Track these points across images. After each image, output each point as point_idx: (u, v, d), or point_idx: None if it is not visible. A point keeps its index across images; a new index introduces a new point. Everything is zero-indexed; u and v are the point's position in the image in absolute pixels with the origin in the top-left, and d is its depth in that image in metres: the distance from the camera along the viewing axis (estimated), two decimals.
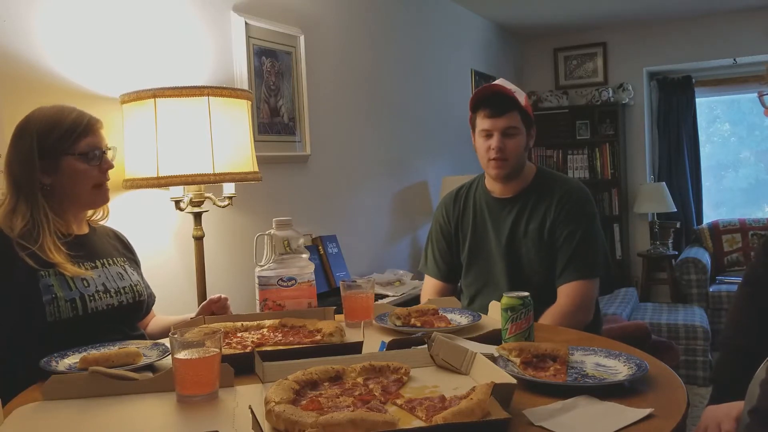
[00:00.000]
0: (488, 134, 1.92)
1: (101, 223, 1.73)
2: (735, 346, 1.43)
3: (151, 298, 1.76)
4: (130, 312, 1.60)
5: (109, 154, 1.62)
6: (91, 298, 1.50)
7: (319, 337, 1.45)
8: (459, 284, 2.13)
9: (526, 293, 1.37)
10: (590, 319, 1.88)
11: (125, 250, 1.73)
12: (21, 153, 1.51)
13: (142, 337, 1.62)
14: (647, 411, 0.97)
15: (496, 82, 1.98)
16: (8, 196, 1.51)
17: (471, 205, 2.05)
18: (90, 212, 1.69)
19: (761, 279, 1.42)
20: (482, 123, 1.93)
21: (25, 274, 1.43)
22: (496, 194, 2.02)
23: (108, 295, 1.54)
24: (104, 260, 1.60)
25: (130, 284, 1.62)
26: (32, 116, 1.54)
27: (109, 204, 1.70)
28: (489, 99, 1.92)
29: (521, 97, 1.93)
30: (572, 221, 1.90)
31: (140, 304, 1.64)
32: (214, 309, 1.68)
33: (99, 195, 1.61)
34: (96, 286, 1.52)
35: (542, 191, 1.96)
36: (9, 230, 1.45)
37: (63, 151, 1.52)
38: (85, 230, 1.64)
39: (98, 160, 1.58)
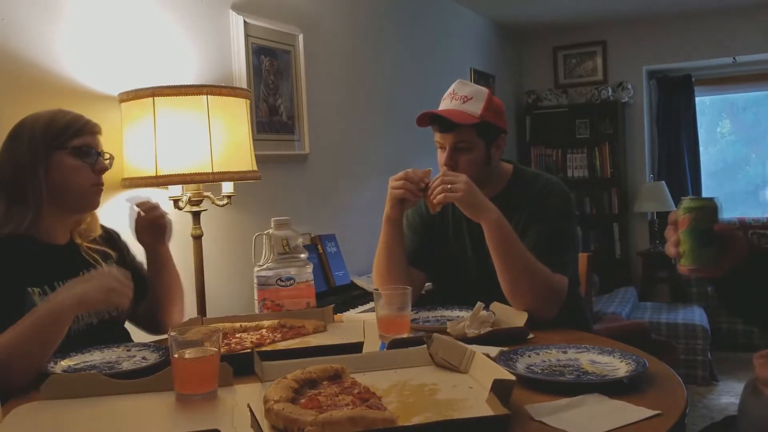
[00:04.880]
0: (441, 146, 1.80)
1: (91, 230, 1.62)
2: None
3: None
4: (113, 325, 1.56)
5: (106, 159, 1.56)
6: (75, 319, 1.41)
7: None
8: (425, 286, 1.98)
9: (711, 198, 1.17)
10: (552, 316, 1.63)
11: (112, 249, 1.65)
12: (12, 157, 1.45)
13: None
14: (653, 412, 0.97)
15: (452, 90, 1.82)
16: None
17: (449, 210, 1.90)
18: (80, 224, 1.60)
19: None
20: (435, 135, 1.82)
21: (10, 286, 1.38)
22: None
23: (87, 314, 1.47)
24: (84, 270, 1.52)
25: None
26: (27, 119, 1.49)
27: (106, 205, 1.65)
28: (433, 119, 1.79)
29: (478, 103, 1.75)
30: (544, 218, 1.74)
31: (124, 314, 1.60)
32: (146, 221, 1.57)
33: (93, 196, 1.52)
34: None
35: (518, 193, 1.82)
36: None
37: (55, 146, 1.46)
38: (67, 238, 1.56)
39: (93, 159, 1.50)
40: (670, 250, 1.17)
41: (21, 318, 1.29)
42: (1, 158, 1.47)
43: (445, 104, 1.81)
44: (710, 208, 1.14)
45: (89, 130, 1.53)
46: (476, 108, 1.75)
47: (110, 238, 1.69)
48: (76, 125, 1.50)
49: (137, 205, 1.54)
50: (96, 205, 1.56)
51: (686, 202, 1.15)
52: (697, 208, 1.13)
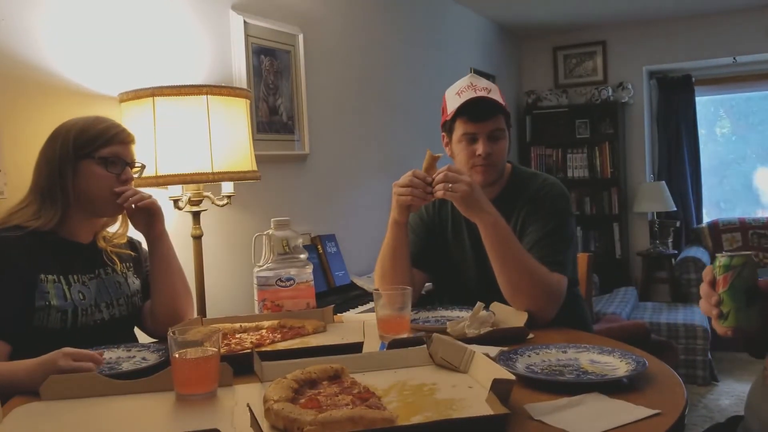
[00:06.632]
0: (472, 138, 1.79)
1: (117, 238, 1.66)
2: None
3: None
4: (122, 325, 1.58)
5: (135, 170, 1.61)
6: (84, 312, 1.48)
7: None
8: (426, 287, 1.98)
9: (747, 253, 1.12)
10: (551, 316, 1.62)
11: (131, 249, 1.70)
12: (46, 159, 1.52)
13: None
14: (653, 411, 0.97)
15: (469, 83, 1.81)
16: (27, 194, 1.53)
17: (448, 210, 1.90)
18: (106, 227, 1.64)
19: None
20: (465, 126, 1.79)
21: (24, 274, 1.42)
22: None
23: (98, 309, 1.51)
24: (102, 270, 1.58)
25: (127, 295, 1.60)
26: (65, 123, 1.55)
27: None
28: (471, 107, 1.77)
29: (497, 94, 1.79)
30: (542, 217, 1.73)
31: (135, 316, 1.63)
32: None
33: (113, 204, 1.55)
34: (90, 299, 1.50)
35: (516, 193, 1.82)
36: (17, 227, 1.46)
37: (84, 154, 1.51)
38: (90, 239, 1.60)
39: (119, 169, 1.55)
40: (710, 310, 1.11)
41: (29, 303, 1.39)
42: (38, 158, 1.54)
43: (468, 95, 1.78)
44: (751, 264, 1.08)
45: (119, 140, 1.56)
46: (498, 98, 1.79)
47: (132, 244, 1.72)
48: (106, 135, 1.54)
49: (119, 201, 1.55)
50: (117, 212, 1.60)
51: (723, 259, 1.09)
52: (737, 266, 1.07)
